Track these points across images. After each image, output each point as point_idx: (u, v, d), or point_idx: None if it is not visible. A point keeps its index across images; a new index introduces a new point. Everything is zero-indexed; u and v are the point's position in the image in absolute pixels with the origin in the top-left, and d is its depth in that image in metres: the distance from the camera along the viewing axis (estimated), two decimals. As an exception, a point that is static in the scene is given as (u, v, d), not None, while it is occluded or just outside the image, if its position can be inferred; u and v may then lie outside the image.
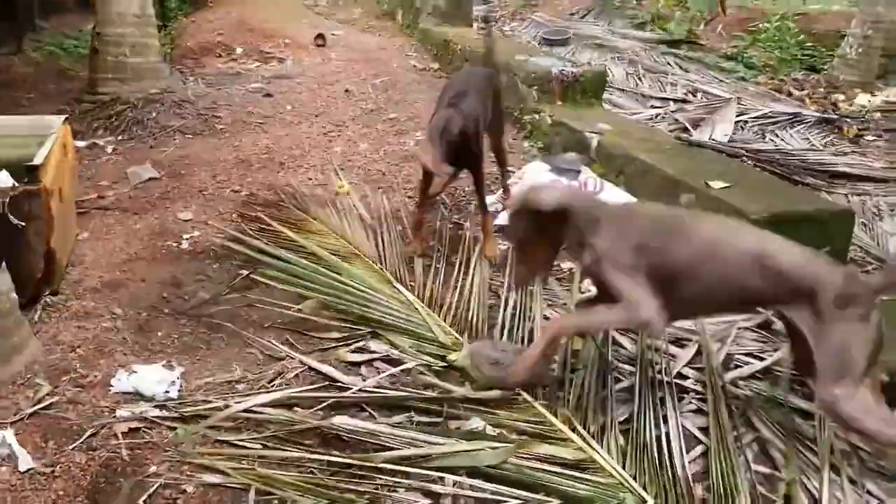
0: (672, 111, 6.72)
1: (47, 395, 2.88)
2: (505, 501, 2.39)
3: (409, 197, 4.75)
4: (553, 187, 3.18)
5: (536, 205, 2.77)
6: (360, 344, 3.25)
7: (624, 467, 2.57)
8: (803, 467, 2.60)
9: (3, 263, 3.01)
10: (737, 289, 2.64)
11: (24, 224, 3.29)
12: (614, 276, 2.72)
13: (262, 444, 2.64)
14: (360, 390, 2.91)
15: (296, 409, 2.82)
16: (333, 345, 3.26)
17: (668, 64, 8.08)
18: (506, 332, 3.35)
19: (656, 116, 6.59)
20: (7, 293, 3.00)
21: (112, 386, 2.93)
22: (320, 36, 8.46)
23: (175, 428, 2.73)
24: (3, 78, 7.78)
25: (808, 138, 6.17)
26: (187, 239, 4.23)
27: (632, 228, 2.79)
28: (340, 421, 2.77)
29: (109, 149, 5.74)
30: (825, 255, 2.76)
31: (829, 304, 2.44)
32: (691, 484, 2.51)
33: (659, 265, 2.69)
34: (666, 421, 2.78)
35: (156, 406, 2.84)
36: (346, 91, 6.86)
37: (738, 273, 2.60)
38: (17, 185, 3.39)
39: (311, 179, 4.94)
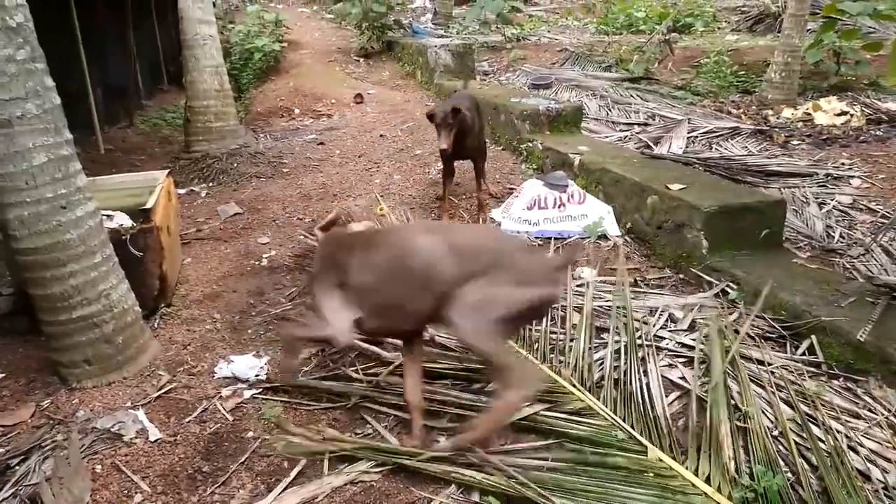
0: (636, 133, 6.65)
1: (167, 382, 2.93)
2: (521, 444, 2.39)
3: (438, 199, 4.80)
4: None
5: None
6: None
7: (616, 412, 2.54)
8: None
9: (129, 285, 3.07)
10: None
11: (142, 254, 3.34)
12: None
13: (331, 413, 2.66)
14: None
15: (353, 382, 2.83)
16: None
17: (632, 96, 7.99)
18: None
19: (624, 138, 6.51)
20: (132, 307, 3.05)
21: (215, 373, 2.97)
22: (358, 95, 8.50)
23: (265, 401, 2.76)
24: (121, 146, 7.93)
25: (746, 146, 6.06)
26: (266, 258, 4.27)
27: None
28: (394, 381, 2.78)
29: (203, 193, 5.82)
30: None
31: None
32: (670, 422, 2.48)
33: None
34: (647, 374, 2.75)
35: (249, 386, 2.87)
36: (381, 136, 6.89)
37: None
38: (135, 224, 3.45)
39: (357, 206, 4.97)
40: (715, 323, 2.96)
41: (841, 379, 2.75)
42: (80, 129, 6.79)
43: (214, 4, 9.17)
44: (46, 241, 2.68)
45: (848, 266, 3.76)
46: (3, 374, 3.05)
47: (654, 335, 3.05)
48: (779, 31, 8.84)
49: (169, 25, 11.07)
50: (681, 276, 3.68)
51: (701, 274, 3.57)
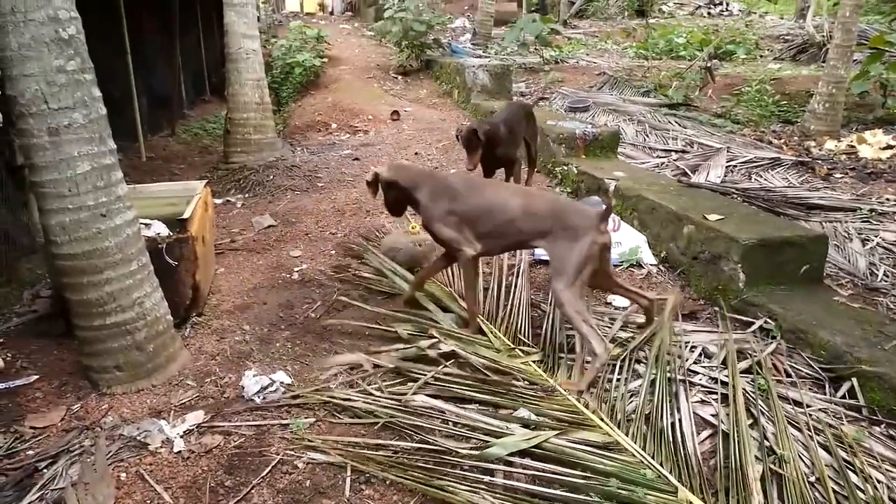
0: (674, 160, 6.57)
1: (194, 392, 2.95)
2: (546, 476, 2.33)
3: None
4: (393, 167, 3.43)
5: (382, 178, 3.30)
6: (431, 342, 3.14)
7: (644, 448, 2.48)
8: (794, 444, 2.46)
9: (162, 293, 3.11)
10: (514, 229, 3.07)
11: (176, 263, 3.39)
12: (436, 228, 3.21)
13: (355, 432, 2.65)
14: (430, 380, 2.88)
15: (378, 400, 2.81)
16: (406, 346, 3.17)
17: (670, 122, 7.92)
18: (549, 338, 3.26)
19: (661, 164, 6.44)
20: (164, 316, 3.09)
21: (243, 385, 2.96)
22: (395, 112, 8.57)
23: (289, 416, 2.76)
24: (162, 154, 8.12)
25: (786, 178, 5.94)
26: (297, 271, 4.29)
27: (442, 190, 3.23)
28: (419, 401, 2.75)
29: (239, 204, 5.91)
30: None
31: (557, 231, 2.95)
32: (700, 461, 2.41)
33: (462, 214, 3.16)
34: (679, 410, 2.68)
35: (275, 400, 2.87)
36: (416, 154, 6.92)
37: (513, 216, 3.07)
38: (171, 234, 3.51)
39: (391, 222, 4.98)
40: (751, 360, 2.87)
41: (883, 426, 2.64)
42: (124, 136, 7.01)
43: (258, 19, 9.40)
44: (85, 247, 2.73)
45: (892, 307, 3.63)
46: (38, 376, 3.12)
47: (688, 370, 2.97)
48: (823, 61, 8.69)
49: (213, 37, 11.39)
50: (716, 309, 3.59)
51: (737, 308, 3.48)
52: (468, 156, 4.39)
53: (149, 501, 2.32)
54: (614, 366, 2.98)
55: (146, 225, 3.50)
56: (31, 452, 2.58)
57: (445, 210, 3.18)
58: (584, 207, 3.23)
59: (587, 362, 2.92)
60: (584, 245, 2.87)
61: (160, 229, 3.57)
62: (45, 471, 2.46)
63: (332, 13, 22.24)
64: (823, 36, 10.76)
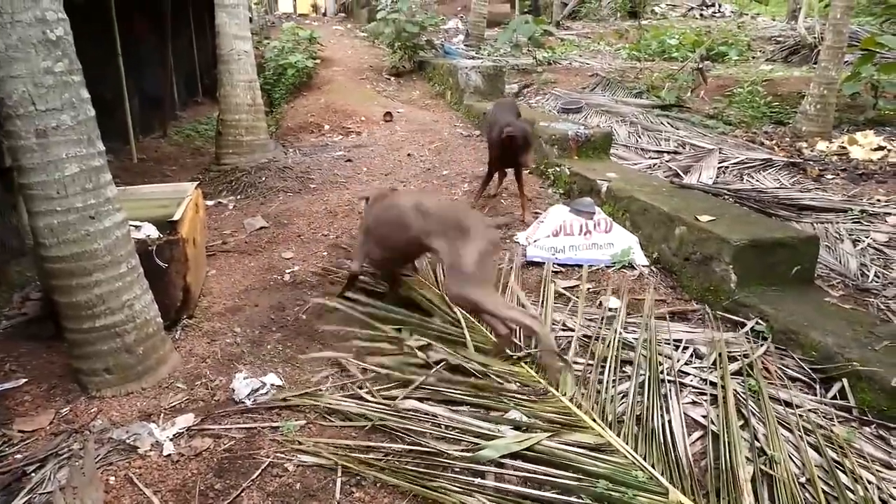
0: (666, 161, 6.58)
1: (184, 395, 2.93)
2: (538, 478, 2.33)
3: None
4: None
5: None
6: (423, 344, 3.15)
7: (636, 450, 2.48)
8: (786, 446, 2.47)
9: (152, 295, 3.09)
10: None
11: (167, 265, 3.37)
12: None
13: (346, 434, 2.64)
14: (421, 384, 2.87)
15: (368, 402, 2.80)
16: (397, 351, 3.16)
17: (662, 124, 7.93)
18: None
19: (653, 165, 6.45)
20: (154, 318, 3.07)
21: (233, 388, 2.95)
22: (388, 114, 8.57)
23: (279, 419, 2.74)
24: (153, 156, 8.09)
25: (778, 179, 5.96)
26: (289, 273, 4.28)
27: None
28: (410, 405, 2.74)
29: (230, 206, 5.89)
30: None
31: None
32: (692, 462, 2.41)
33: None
34: (670, 411, 2.68)
35: (265, 403, 2.86)
36: (409, 155, 6.91)
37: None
38: (161, 235, 3.49)
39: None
40: (741, 361, 2.88)
41: (873, 426, 2.65)
42: (115, 138, 6.99)
43: (251, 20, 9.38)
44: (74, 249, 2.72)
45: (883, 307, 3.64)
46: (26, 379, 3.10)
47: (679, 370, 2.98)
48: (815, 63, 8.73)
49: (206, 39, 11.33)
50: (707, 309, 3.59)
51: (728, 308, 3.49)
52: (525, 155, 4.62)
53: (138, 505, 2.30)
54: (604, 367, 2.98)
55: (136, 227, 3.47)
56: (19, 456, 2.56)
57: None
58: (478, 214, 3.47)
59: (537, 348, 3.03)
60: (481, 244, 2.98)
61: (150, 231, 3.55)
62: (33, 475, 2.44)
63: (324, 14, 22.21)
64: (815, 37, 10.81)
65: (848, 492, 2.26)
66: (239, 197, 6.13)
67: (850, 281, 3.96)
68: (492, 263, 3.07)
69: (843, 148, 6.69)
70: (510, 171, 5.20)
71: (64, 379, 3.06)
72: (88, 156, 2.72)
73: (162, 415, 2.79)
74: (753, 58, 11.74)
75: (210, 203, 5.73)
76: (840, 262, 4.21)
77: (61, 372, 3.12)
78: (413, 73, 11.06)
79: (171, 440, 2.61)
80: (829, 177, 6.03)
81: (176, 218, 3.53)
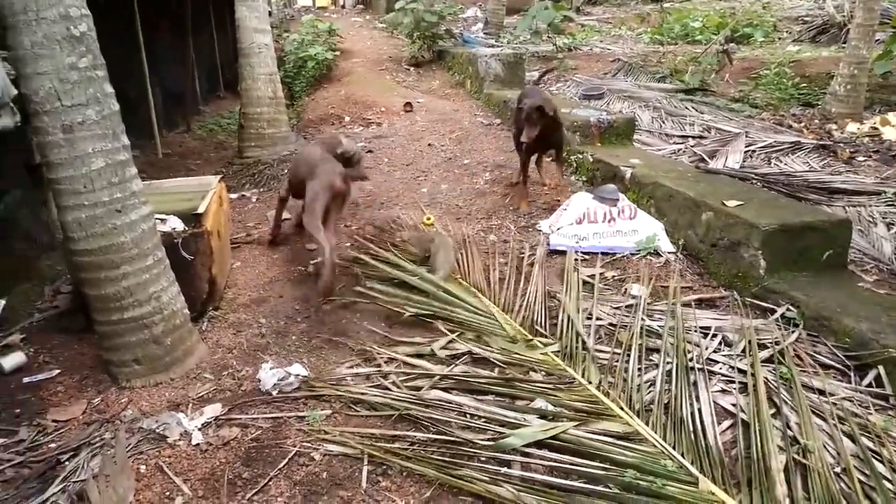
0: (691, 146, 6.46)
1: (211, 385, 2.96)
2: (564, 467, 2.31)
3: (484, 219, 4.73)
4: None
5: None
6: (447, 341, 3.17)
7: (665, 439, 2.44)
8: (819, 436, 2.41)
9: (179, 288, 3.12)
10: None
11: (192, 257, 3.40)
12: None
13: (371, 424, 2.64)
14: (446, 375, 2.87)
15: (393, 392, 2.80)
16: (424, 340, 3.20)
17: (686, 108, 7.79)
18: (566, 328, 3.22)
19: (678, 151, 6.34)
20: (181, 310, 3.11)
21: (259, 378, 2.97)
22: (408, 104, 8.53)
23: (305, 408, 2.76)
24: (178, 150, 8.17)
25: (807, 162, 5.82)
26: (313, 264, 4.28)
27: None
28: (435, 394, 2.74)
29: (254, 198, 5.92)
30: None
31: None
32: (722, 451, 2.37)
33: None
34: (699, 399, 2.64)
35: (292, 393, 2.87)
36: (429, 145, 6.88)
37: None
38: (186, 228, 3.52)
39: (405, 214, 4.97)
40: (771, 348, 2.82)
41: (911, 414, 2.58)
42: (140, 133, 7.06)
43: (270, 14, 9.39)
44: (102, 243, 2.75)
45: (919, 292, 3.54)
46: (59, 371, 3.15)
47: (707, 358, 2.93)
48: (844, 42, 8.50)
49: (226, 33, 11.39)
50: (736, 296, 3.52)
51: (758, 295, 3.42)
52: (527, 128, 4.51)
53: (168, 493, 2.33)
54: (629, 354, 2.94)
55: (161, 220, 3.51)
56: (53, 445, 2.62)
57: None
58: (333, 163, 3.99)
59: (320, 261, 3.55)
60: (318, 184, 3.75)
61: (176, 224, 3.58)
62: (66, 463, 2.49)
63: (343, 6, 22.19)
64: (844, 16, 10.50)
65: (885, 481, 2.20)
66: (262, 189, 6.15)
67: (884, 265, 3.86)
68: (323, 199, 3.70)
69: (875, 129, 6.51)
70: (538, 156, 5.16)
71: (95, 370, 3.12)
72: (114, 150, 2.75)
73: (190, 405, 2.82)
74: (780, 38, 11.45)
75: (234, 196, 5.76)
76: (874, 247, 4.10)
77: (92, 363, 3.17)
78: (432, 62, 10.99)
79: (199, 430, 2.64)
80: (861, 159, 5.87)
81: (200, 211, 3.56)
